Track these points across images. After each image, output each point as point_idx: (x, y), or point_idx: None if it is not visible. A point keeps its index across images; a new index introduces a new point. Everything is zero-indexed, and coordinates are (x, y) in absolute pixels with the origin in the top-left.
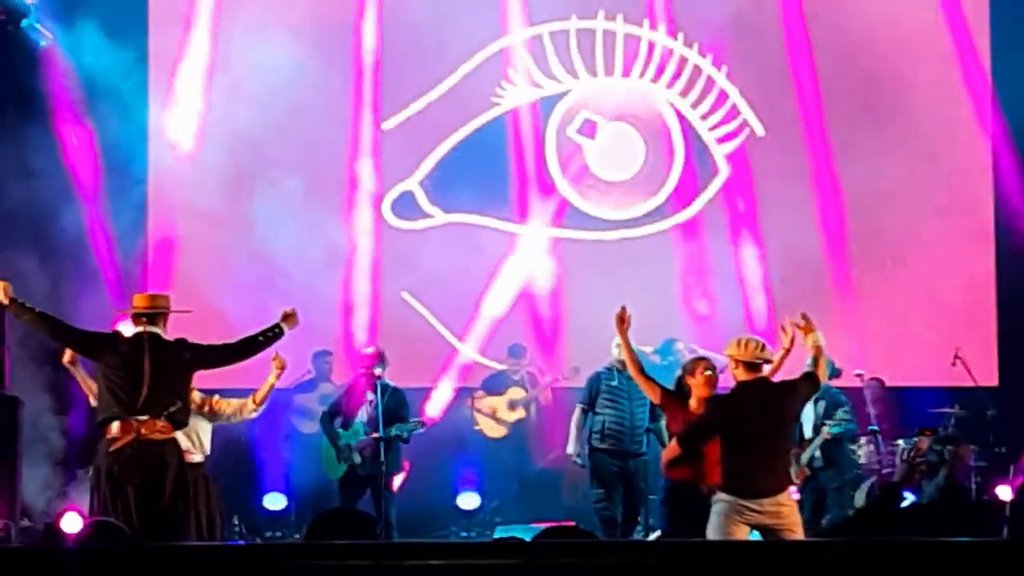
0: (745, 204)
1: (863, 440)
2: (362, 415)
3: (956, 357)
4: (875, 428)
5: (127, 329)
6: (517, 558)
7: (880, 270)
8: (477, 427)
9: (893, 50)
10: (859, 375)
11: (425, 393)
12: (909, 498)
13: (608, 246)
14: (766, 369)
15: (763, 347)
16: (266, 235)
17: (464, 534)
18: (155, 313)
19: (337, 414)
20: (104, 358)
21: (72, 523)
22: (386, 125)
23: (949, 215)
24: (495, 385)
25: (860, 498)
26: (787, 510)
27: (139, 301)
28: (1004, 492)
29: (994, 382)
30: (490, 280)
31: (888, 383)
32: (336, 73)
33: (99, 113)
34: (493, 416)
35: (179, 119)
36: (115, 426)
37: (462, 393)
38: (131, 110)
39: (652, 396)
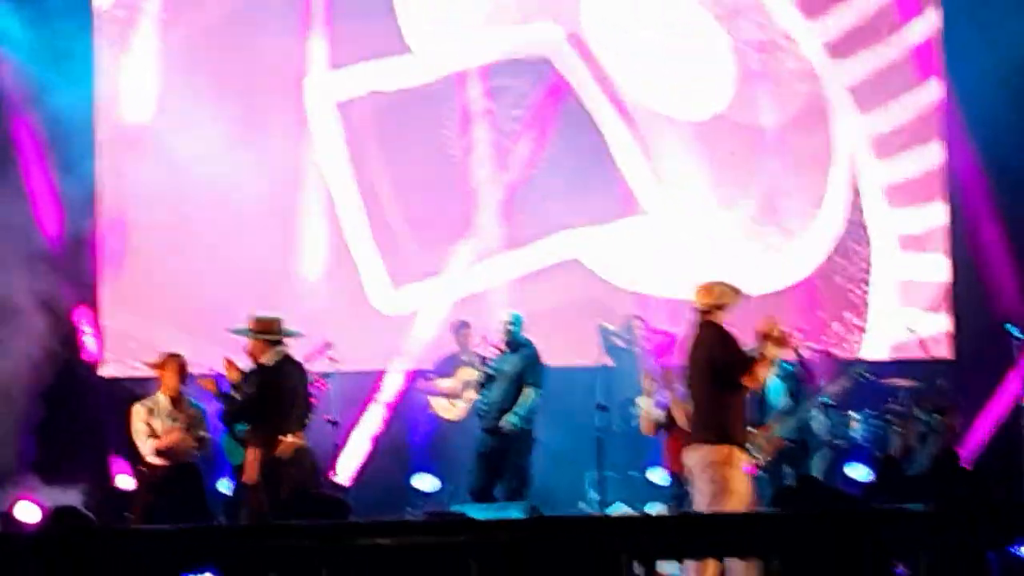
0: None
1: (816, 412)
2: None
3: (910, 330)
4: (827, 401)
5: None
6: (465, 535)
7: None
8: (432, 409)
9: None
10: (810, 348)
11: (377, 376)
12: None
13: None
14: (720, 314)
15: (704, 292)
16: (221, 212)
17: (420, 514)
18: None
19: None
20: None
21: (27, 512)
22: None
23: (903, 192)
24: (446, 367)
25: (817, 468)
26: (688, 463)
27: (271, 325)
28: None
29: (949, 354)
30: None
31: (842, 356)
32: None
33: (45, 90)
34: (447, 397)
35: (128, 89)
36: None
37: (415, 376)
38: (77, 83)
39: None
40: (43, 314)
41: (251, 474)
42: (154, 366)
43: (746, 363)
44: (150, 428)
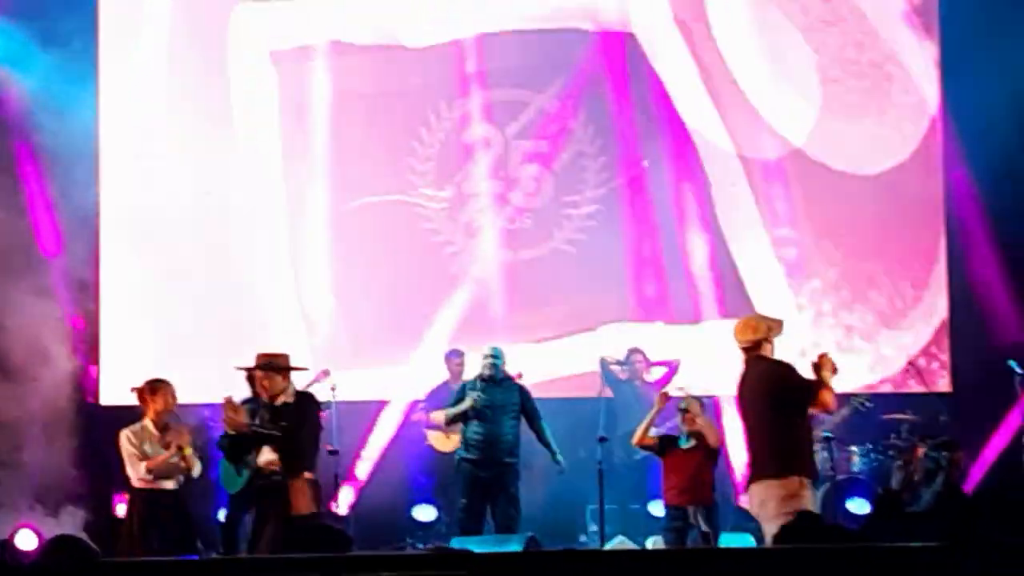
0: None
1: (817, 447)
2: None
3: (910, 364)
4: (828, 435)
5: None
6: (466, 570)
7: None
8: (428, 442)
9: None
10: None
11: (378, 406)
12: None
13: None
14: (767, 347)
15: (745, 328)
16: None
17: (420, 546)
18: None
19: None
20: None
21: (27, 541)
22: None
23: (902, 226)
24: (439, 398)
25: (817, 502)
26: (754, 500)
27: (287, 360)
28: None
29: (948, 388)
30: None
31: (841, 390)
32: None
33: (49, 113)
34: (441, 430)
35: (132, 112)
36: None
37: (413, 406)
38: (82, 106)
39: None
40: (55, 340)
41: (308, 504)
42: (141, 392)
43: (813, 390)
44: (140, 451)
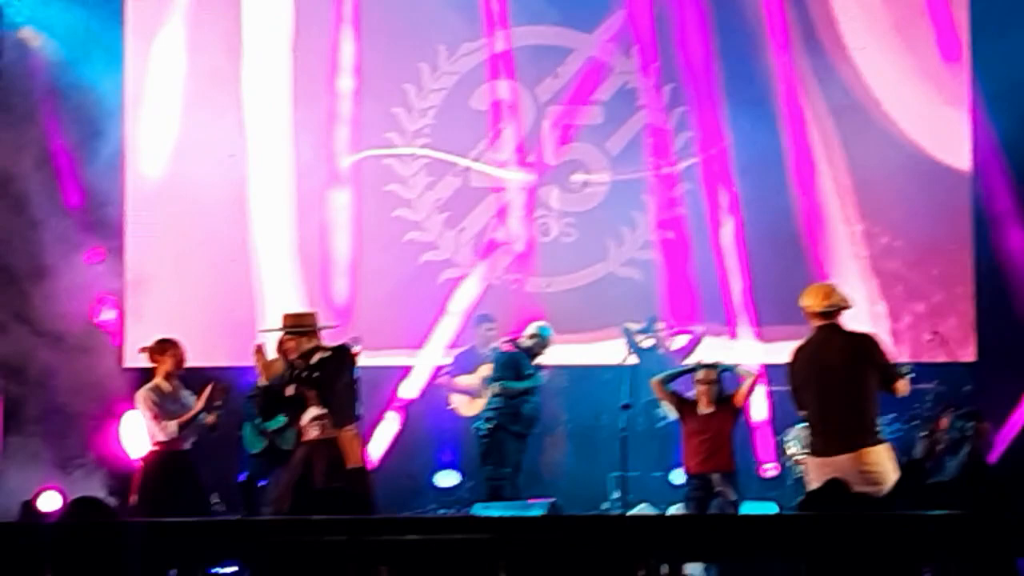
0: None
1: None
2: None
3: (934, 333)
4: None
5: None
6: (490, 533)
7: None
8: (451, 406)
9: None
10: None
11: (401, 372)
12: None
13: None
14: (840, 317)
15: (822, 294)
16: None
17: (443, 511)
18: None
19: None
20: None
21: (50, 502)
22: None
23: (926, 192)
24: (466, 364)
25: None
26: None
27: (317, 319)
28: None
29: (972, 357)
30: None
31: None
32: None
33: (73, 81)
34: (468, 395)
35: (156, 78)
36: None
37: (438, 371)
38: (108, 69)
39: (671, 406)
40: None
41: (361, 457)
42: (151, 351)
43: (898, 371)
44: (162, 410)
